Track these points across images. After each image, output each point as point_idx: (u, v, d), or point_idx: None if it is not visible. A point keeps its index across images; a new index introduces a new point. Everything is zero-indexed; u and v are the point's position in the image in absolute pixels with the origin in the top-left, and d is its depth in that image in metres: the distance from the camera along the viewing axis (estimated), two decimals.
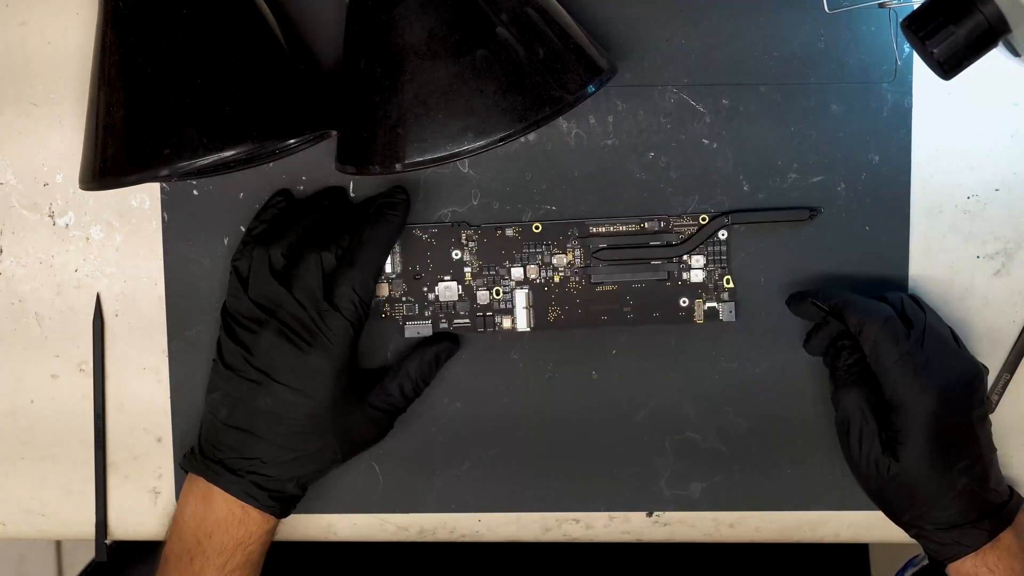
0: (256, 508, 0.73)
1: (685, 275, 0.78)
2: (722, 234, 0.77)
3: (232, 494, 0.73)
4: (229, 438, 0.73)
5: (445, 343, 0.77)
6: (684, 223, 0.77)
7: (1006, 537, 0.72)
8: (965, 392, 0.72)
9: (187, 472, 0.75)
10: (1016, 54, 0.67)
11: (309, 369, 0.71)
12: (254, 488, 0.73)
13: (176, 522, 0.75)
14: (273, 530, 0.75)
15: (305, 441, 0.73)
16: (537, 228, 0.78)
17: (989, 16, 0.61)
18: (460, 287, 0.78)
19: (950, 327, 0.75)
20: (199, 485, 0.74)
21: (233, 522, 0.73)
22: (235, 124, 0.66)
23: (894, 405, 0.71)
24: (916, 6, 0.64)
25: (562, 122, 0.77)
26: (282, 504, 0.74)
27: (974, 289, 0.78)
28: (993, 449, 0.74)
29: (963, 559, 0.73)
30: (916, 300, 0.75)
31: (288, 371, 0.71)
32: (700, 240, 0.77)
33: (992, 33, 0.62)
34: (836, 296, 0.74)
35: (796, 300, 0.76)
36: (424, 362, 0.77)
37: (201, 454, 0.74)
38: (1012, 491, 0.75)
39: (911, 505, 0.73)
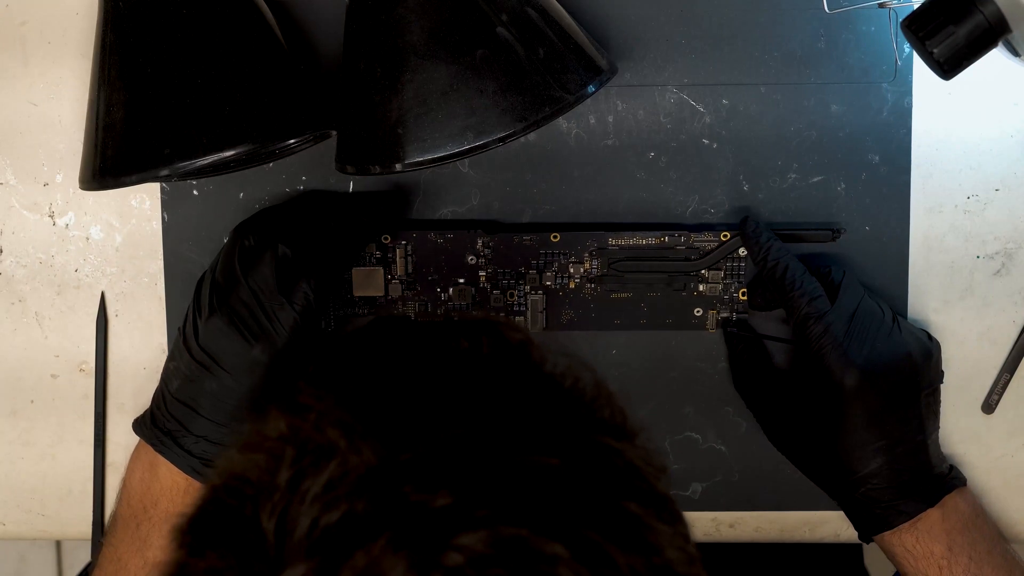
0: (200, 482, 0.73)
1: (702, 287, 0.77)
2: (742, 251, 0.77)
3: (178, 467, 0.72)
4: (177, 411, 0.72)
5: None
6: (704, 239, 0.77)
7: (930, 517, 0.71)
8: (889, 373, 0.71)
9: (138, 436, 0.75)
10: (1016, 54, 0.67)
11: (249, 360, 0.71)
12: (200, 464, 0.72)
13: (125, 485, 0.75)
14: None
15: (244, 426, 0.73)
16: (555, 238, 0.77)
17: (989, 16, 0.61)
18: (474, 290, 0.78)
19: (891, 309, 0.74)
20: (147, 452, 0.74)
21: (178, 492, 0.73)
22: (235, 124, 0.66)
23: (818, 382, 0.71)
24: (916, 6, 0.64)
25: (562, 122, 0.77)
26: None
27: (974, 289, 0.78)
28: (926, 431, 0.72)
29: (881, 534, 0.72)
30: (853, 280, 0.74)
31: (230, 358, 0.71)
32: (720, 256, 0.77)
33: (992, 33, 0.62)
34: (775, 257, 0.73)
35: (750, 235, 0.75)
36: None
37: (152, 422, 0.74)
38: (949, 471, 0.74)
39: (829, 479, 0.73)
